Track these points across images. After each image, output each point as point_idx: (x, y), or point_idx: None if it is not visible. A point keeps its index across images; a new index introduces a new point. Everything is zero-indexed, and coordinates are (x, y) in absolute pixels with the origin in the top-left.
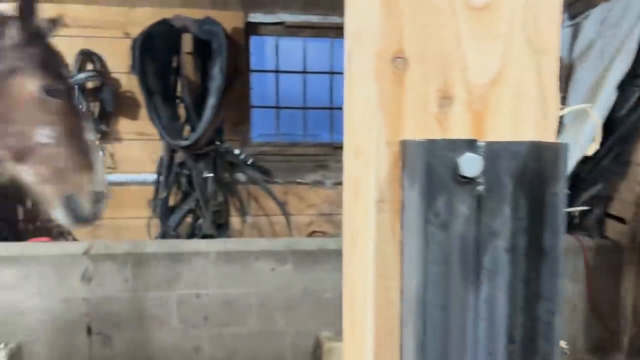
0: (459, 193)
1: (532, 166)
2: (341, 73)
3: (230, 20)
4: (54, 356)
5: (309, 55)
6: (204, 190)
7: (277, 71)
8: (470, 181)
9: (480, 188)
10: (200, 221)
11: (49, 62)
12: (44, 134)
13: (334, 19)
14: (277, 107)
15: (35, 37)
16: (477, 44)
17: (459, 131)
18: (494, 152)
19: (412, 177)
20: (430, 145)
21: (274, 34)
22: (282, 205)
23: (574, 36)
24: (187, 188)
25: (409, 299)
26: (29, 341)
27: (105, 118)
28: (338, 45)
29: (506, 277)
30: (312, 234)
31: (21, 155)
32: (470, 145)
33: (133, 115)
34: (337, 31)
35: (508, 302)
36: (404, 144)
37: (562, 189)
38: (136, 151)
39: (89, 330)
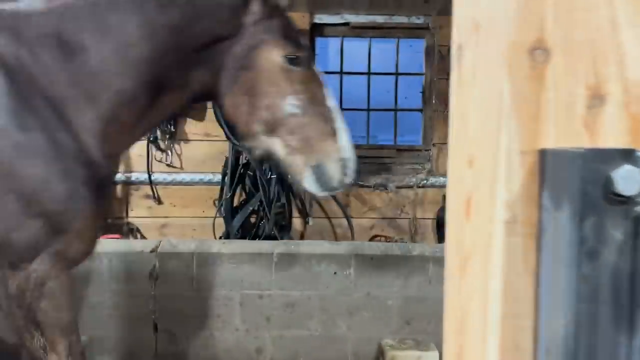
0: (612, 215)
1: None
2: (407, 74)
3: (296, 21)
4: (123, 350)
5: (373, 56)
6: (268, 191)
7: (341, 72)
8: (626, 200)
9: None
10: (263, 222)
11: (289, 32)
12: (291, 104)
13: (399, 19)
14: (341, 110)
15: (275, 9)
16: (638, 32)
17: (613, 139)
18: None
19: (558, 195)
20: (584, 156)
21: (338, 35)
22: (344, 208)
23: None
24: (251, 189)
25: (550, 344)
26: (99, 335)
27: (173, 119)
28: (404, 45)
29: None
30: (373, 238)
31: (273, 128)
32: (628, 155)
33: (200, 117)
34: (403, 31)
35: None
36: (544, 154)
37: None
38: (202, 151)
39: (155, 327)
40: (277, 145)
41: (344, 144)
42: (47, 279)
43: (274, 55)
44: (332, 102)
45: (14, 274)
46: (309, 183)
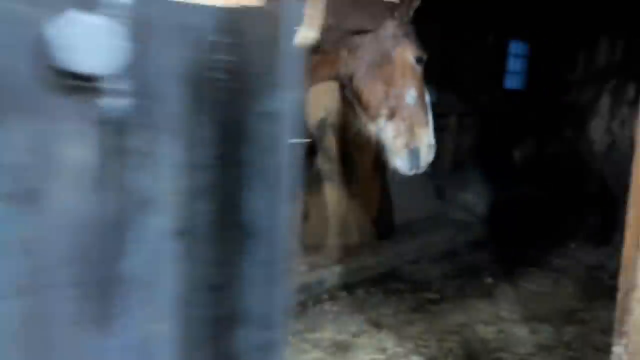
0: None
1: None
2: None
3: None
4: None
5: None
6: None
7: None
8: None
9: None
10: None
11: (416, 37)
12: (411, 96)
13: None
14: None
15: (409, 17)
16: None
17: None
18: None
19: None
20: None
21: None
22: None
23: None
24: None
25: None
26: None
27: None
28: None
29: None
30: None
31: (394, 113)
32: None
33: None
34: None
35: None
36: None
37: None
38: None
39: None
40: (388, 128)
41: (431, 132)
42: None
43: (408, 55)
44: (428, 97)
45: None
46: (402, 162)
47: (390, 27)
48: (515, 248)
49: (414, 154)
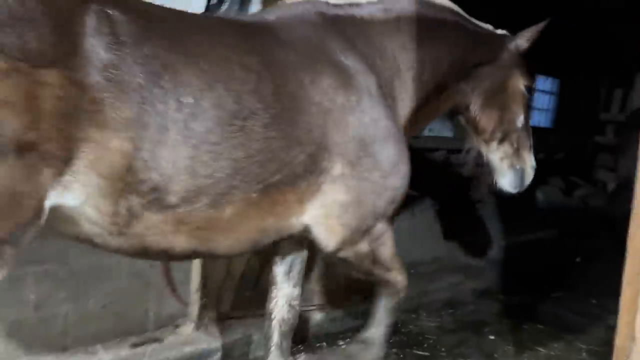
0: None
1: None
2: None
3: None
4: None
5: None
6: None
7: None
8: None
9: None
10: None
11: (525, 68)
12: (520, 121)
13: None
14: None
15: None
16: None
17: None
18: None
19: None
20: None
21: None
22: None
23: None
24: None
25: None
26: None
27: None
28: None
29: None
30: None
31: (505, 137)
32: None
33: None
34: None
35: None
36: None
37: None
38: None
39: None
40: (498, 151)
41: (532, 156)
42: (384, 233)
43: (520, 84)
44: (529, 123)
45: (366, 235)
46: (507, 182)
47: (504, 59)
48: (527, 300)
49: (519, 174)
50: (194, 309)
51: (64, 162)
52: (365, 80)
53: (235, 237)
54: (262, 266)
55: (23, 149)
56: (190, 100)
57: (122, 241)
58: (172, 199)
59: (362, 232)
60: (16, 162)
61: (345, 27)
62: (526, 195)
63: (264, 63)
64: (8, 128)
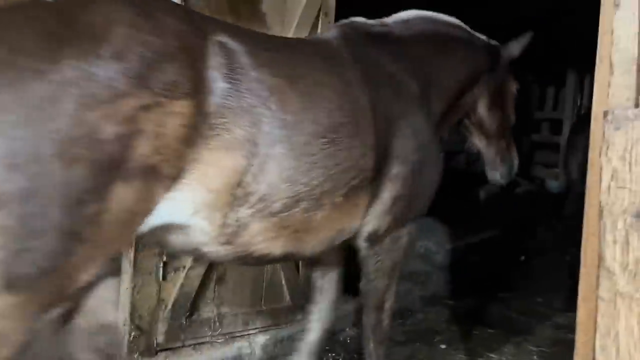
0: None
1: None
2: None
3: None
4: None
5: None
6: None
7: None
8: None
9: None
10: None
11: (515, 74)
12: (512, 119)
13: None
14: None
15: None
16: None
17: None
18: None
19: None
20: None
21: None
22: None
23: None
24: None
25: None
26: None
27: None
28: None
29: None
30: None
31: (503, 134)
32: None
33: None
34: None
35: None
36: None
37: None
38: None
39: None
40: (495, 147)
41: (516, 152)
42: (405, 236)
43: (512, 87)
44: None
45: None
46: (499, 174)
47: (501, 66)
48: (475, 303)
49: (508, 167)
50: (124, 341)
51: (173, 180)
52: (411, 89)
53: (320, 237)
54: (197, 293)
55: (147, 172)
56: (292, 118)
57: (230, 250)
58: (276, 206)
59: (406, 227)
60: (140, 185)
61: (386, 43)
62: (470, 196)
63: (341, 81)
64: (140, 155)
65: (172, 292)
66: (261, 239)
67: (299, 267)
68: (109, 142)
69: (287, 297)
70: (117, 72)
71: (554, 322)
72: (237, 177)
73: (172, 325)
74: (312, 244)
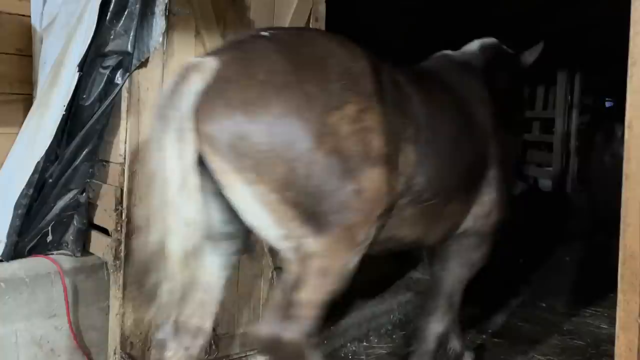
0: None
1: None
2: None
3: None
4: None
5: None
6: None
7: None
8: None
9: None
10: None
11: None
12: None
13: None
14: None
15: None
16: None
17: None
18: None
19: None
20: None
21: None
22: None
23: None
24: None
25: None
26: None
27: None
28: None
29: None
30: None
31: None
32: None
33: None
34: None
35: None
36: None
37: None
38: None
39: None
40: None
41: None
42: (489, 237)
43: (525, 89)
44: None
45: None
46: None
47: (522, 71)
48: (478, 311)
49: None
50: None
51: (395, 168)
52: (491, 102)
53: (443, 228)
54: None
55: (384, 160)
56: (440, 130)
57: (382, 231)
58: (426, 195)
59: (491, 229)
60: (382, 169)
61: (468, 68)
62: None
63: (456, 101)
64: (375, 146)
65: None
66: (406, 222)
67: None
68: (347, 137)
69: None
70: (341, 87)
71: (560, 328)
72: (412, 167)
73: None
74: (435, 233)
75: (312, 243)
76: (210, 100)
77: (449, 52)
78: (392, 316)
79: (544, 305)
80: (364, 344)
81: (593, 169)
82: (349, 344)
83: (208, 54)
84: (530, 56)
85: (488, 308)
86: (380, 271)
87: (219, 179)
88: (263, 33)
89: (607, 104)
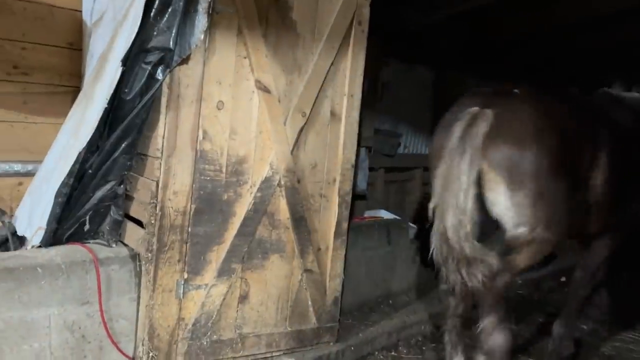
0: None
1: None
2: None
3: None
4: None
5: None
6: None
7: None
8: None
9: None
10: None
11: None
12: None
13: None
14: None
15: None
16: None
17: None
18: None
19: None
20: None
21: None
22: None
23: None
24: None
25: None
26: None
27: None
28: None
29: None
30: None
31: None
32: None
33: None
34: None
35: None
36: None
37: None
38: None
39: None
40: None
41: None
42: (609, 239)
43: None
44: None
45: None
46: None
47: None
48: (513, 327)
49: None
50: None
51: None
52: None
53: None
54: (219, 312)
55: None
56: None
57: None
58: (592, 201)
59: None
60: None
61: (622, 103)
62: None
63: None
64: (584, 162)
65: (192, 310)
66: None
67: (325, 288)
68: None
69: (313, 319)
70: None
71: (599, 352)
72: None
73: (192, 345)
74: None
75: (540, 231)
76: (493, 137)
77: (609, 90)
78: (423, 327)
79: (584, 327)
80: (393, 353)
81: None
82: (376, 352)
83: (482, 106)
84: None
85: (526, 327)
86: (410, 282)
87: (488, 185)
88: (515, 90)
89: None
